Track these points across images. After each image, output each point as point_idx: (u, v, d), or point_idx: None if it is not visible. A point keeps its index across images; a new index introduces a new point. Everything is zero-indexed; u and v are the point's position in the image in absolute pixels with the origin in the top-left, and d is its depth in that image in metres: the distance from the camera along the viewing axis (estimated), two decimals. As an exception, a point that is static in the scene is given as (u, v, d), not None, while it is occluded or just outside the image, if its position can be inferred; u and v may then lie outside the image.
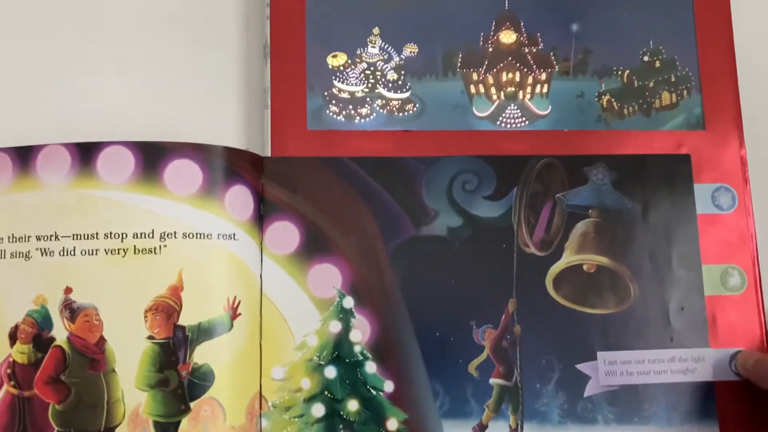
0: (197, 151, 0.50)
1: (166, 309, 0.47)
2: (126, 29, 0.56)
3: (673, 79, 0.58)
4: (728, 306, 0.54)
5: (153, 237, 0.48)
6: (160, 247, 0.48)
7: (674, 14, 0.58)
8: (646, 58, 0.58)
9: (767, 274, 0.55)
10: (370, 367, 0.50)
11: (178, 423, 0.47)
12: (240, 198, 0.50)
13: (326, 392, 0.50)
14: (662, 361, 0.53)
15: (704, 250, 0.54)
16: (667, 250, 0.54)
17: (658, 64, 0.58)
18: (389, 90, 0.55)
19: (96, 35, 0.56)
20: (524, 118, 0.56)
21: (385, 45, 0.56)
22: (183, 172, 0.49)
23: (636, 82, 0.57)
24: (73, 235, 0.48)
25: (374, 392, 0.50)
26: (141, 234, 0.48)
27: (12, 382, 0.47)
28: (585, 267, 0.54)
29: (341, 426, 0.49)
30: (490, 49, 0.57)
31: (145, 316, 0.47)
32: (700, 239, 0.55)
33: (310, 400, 0.50)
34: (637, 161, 0.55)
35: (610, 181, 0.55)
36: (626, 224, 0.54)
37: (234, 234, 0.50)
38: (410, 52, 0.56)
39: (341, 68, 0.55)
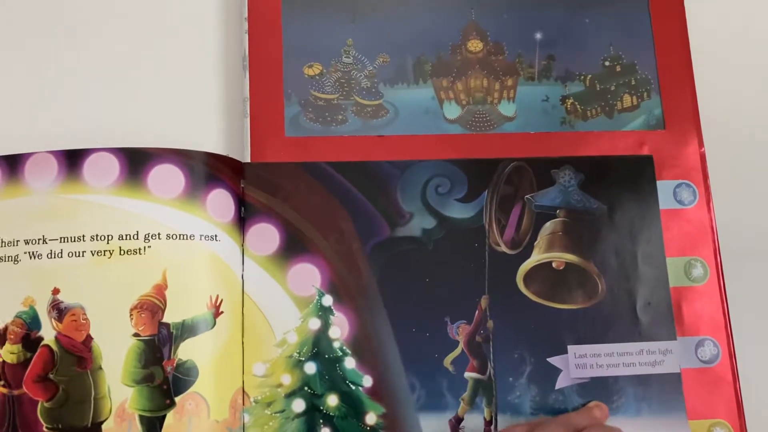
0: (179, 156, 0.51)
1: (151, 307, 0.48)
2: (112, 42, 0.58)
3: (633, 82, 0.60)
4: (692, 296, 0.55)
5: (138, 238, 0.49)
6: (144, 248, 0.49)
7: (632, 21, 0.60)
8: (607, 63, 0.60)
9: (728, 265, 0.56)
10: (349, 363, 0.51)
11: (164, 417, 0.48)
12: (221, 201, 0.52)
13: (306, 388, 0.51)
14: (631, 353, 0.54)
15: (668, 244, 0.56)
16: (632, 248, 0.56)
17: (618, 68, 0.60)
18: (363, 97, 0.58)
19: (82, 47, 0.58)
20: (492, 122, 0.58)
21: (358, 55, 0.58)
22: (166, 177, 0.51)
23: (598, 86, 0.59)
24: (61, 238, 0.49)
25: (353, 387, 0.51)
26: (126, 236, 0.49)
27: (2, 382, 0.48)
28: (554, 264, 0.55)
29: (321, 421, 0.50)
30: (459, 58, 0.59)
31: (131, 315, 0.48)
32: (664, 233, 0.56)
33: (291, 395, 0.50)
34: (602, 163, 0.57)
35: (576, 183, 0.56)
36: (593, 223, 0.56)
37: (216, 235, 0.51)
38: (382, 61, 0.58)
39: (317, 77, 0.57)
